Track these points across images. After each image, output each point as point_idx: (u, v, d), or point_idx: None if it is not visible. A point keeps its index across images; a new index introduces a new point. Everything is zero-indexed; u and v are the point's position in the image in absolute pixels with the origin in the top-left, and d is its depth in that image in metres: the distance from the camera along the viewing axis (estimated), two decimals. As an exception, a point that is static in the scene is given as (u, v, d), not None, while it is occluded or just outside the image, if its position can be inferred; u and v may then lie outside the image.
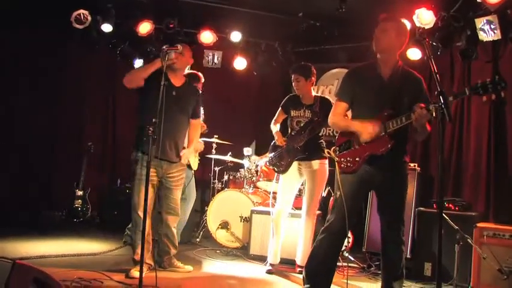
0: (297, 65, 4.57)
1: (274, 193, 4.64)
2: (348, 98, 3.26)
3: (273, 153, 4.58)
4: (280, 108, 4.62)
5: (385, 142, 3.07)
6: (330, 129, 6.06)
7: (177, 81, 4.03)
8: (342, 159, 3.23)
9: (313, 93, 4.51)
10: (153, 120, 3.26)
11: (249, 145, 5.94)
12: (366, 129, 3.08)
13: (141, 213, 3.74)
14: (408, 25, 4.97)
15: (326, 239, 3.22)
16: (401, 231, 3.18)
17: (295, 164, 4.41)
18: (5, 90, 6.07)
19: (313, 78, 4.46)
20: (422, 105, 2.92)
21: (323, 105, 4.32)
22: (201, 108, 4.52)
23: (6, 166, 6.12)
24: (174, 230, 4.20)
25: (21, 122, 6.27)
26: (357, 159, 3.16)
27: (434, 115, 2.69)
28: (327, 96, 4.66)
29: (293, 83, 4.47)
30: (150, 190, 3.76)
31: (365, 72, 3.25)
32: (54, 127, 6.56)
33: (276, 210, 4.48)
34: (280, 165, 4.48)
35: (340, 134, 3.37)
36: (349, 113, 3.38)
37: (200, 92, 4.48)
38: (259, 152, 6.07)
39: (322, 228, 3.28)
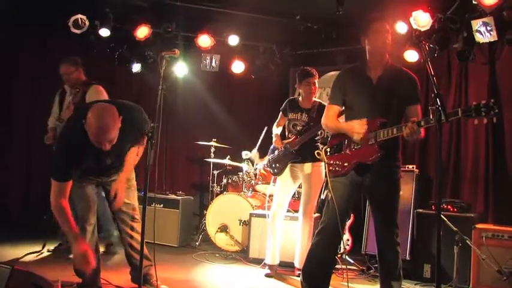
0: (311, 68, 4.49)
1: (271, 196, 4.64)
2: (340, 100, 3.29)
3: (271, 156, 4.59)
4: (280, 112, 4.65)
5: (374, 151, 3.05)
6: (327, 132, 6.04)
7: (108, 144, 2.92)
8: (332, 162, 3.25)
9: (313, 98, 4.53)
10: (151, 124, 3.21)
11: (248, 148, 5.91)
12: (353, 129, 3.10)
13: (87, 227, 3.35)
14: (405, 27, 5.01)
15: (321, 241, 3.23)
16: (395, 234, 3.15)
17: (290, 166, 4.43)
18: (5, 90, 6.05)
19: None
20: (415, 119, 2.91)
21: (320, 111, 4.32)
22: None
23: (6, 167, 6.10)
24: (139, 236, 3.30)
25: (21, 122, 6.25)
26: (345, 164, 3.17)
27: (431, 117, 2.68)
28: (324, 103, 4.67)
29: (307, 87, 4.42)
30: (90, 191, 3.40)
31: (354, 74, 3.28)
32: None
33: (271, 213, 4.51)
34: (276, 168, 4.49)
35: (332, 135, 3.38)
36: (342, 118, 3.39)
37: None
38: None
39: (317, 231, 3.30)
